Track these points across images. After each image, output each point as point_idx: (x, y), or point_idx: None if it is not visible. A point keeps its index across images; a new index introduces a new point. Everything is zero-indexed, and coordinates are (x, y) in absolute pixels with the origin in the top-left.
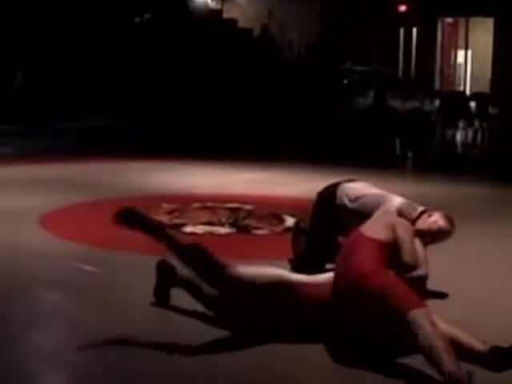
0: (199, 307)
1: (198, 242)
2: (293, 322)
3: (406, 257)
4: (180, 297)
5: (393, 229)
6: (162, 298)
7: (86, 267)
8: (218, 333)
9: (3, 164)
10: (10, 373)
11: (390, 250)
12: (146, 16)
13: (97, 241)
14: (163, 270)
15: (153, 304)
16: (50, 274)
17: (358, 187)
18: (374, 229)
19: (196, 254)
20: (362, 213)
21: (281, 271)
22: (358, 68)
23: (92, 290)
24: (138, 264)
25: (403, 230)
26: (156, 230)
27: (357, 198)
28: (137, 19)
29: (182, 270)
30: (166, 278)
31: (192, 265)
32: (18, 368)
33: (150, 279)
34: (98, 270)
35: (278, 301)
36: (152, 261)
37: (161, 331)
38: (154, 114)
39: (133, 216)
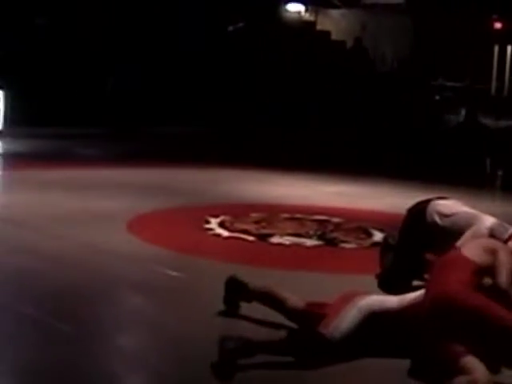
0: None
1: (310, 309)
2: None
3: (503, 281)
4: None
5: (493, 253)
6: (231, 308)
7: (169, 272)
8: None
9: (92, 167)
10: (93, 374)
11: (483, 275)
12: (240, 25)
13: (182, 246)
14: (233, 286)
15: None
16: (134, 277)
17: (450, 205)
18: (473, 250)
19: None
20: (452, 231)
21: (369, 305)
22: (450, 84)
23: (175, 295)
24: (221, 271)
25: (505, 255)
26: (264, 299)
27: (448, 216)
28: (230, 28)
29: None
30: (235, 294)
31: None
32: (101, 369)
33: None
34: (182, 274)
35: (377, 333)
36: (234, 269)
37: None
38: (245, 122)
39: (238, 288)
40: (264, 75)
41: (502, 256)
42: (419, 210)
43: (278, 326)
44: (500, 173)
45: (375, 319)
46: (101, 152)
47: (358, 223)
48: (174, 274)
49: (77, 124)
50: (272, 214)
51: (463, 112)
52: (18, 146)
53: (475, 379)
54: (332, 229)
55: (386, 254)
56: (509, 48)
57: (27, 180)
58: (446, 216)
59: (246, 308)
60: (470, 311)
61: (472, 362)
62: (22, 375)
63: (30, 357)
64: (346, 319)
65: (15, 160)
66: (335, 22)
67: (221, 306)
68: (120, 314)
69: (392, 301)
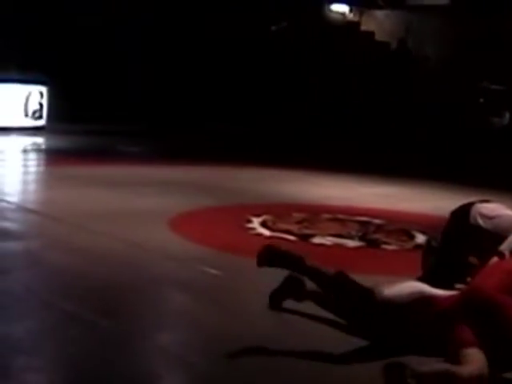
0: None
1: (341, 271)
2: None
3: None
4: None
5: None
6: (275, 303)
7: (212, 270)
8: (343, 340)
9: (134, 164)
10: (135, 372)
11: None
12: (283, 24)
13: (223, 245)
14: (291, 283)
15: (274, 310)
16: (177, 275)
17: (493, 208)
18: None
19: (342, 283)
20: (495, 233)
21: (420, 287)
22: (495, 87)
23: (217, 293)
24: (262, 270)
25: None
26: (297, 266)
27: (491, 218)
28: (273, 28)
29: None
30: (291, 291)
31: (340, 294)
32: (143, 368)
33: (271, 285)
34: (224, 273)
35: (418, 315)
36: (274, 270)
37: (281, 335)
38: (289, 123)
39: (274, 256)
40: (307, 75)
41: None
42: (462, 212)
43: (328, 322)
44: None
45: (421, 299)
46: (143, 149)
47: (400, 225)
48: (216, 272)
49: (120, 120)
50: (314, 214)
51: (507, 115)
52: (61, 141)
53: (462, 372)
54: (374, 230)
55: (428, 256)
56: None
57: (69, 176)
58: (489, 218)
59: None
60: (494, 307)
61: (474, 355)
62: (63, 372)
63: (71, 354)
64: (398, 286)
65: (57, 156)
66: (379, 23)
67: (263, 305)
68: (163, 313)
69: (440, 292)
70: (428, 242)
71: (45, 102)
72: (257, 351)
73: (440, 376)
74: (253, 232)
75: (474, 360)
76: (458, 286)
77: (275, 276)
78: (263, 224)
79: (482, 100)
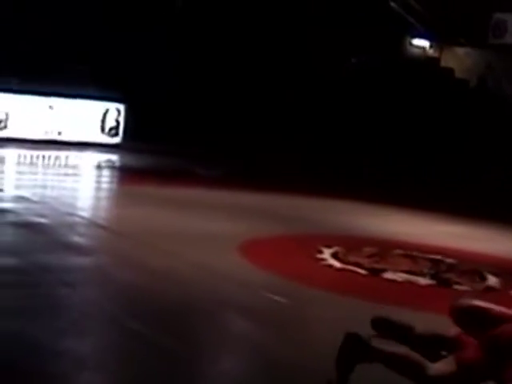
0: None
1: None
2: None
3: None
4: None
5: None
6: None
7: (279, 298)
8: None
9: (208, 187)
10: None
11: None
12: (362, 57)
13: (293, 274)
14: (353, 343)
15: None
16: (243, 300)
17: None
18: None
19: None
20: None
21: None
22: None
23: (281, 321)
24: (331, 302)
25: None
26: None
27: None
28: (353, 60)
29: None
30: (355, 353)
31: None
32: None
33: (339, 318)
34: (292, 302)
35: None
36: (343, 302)
37: None
38: (369, 157)
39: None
40: (384, 109)
41: None
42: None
43: None
44: None
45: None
46: (218, 172)
47: (473, 265)
48: (284, 300)
49: (196, 143)
50: (385, 249)
51: None
52: (136, 160)
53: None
54: (446, 269)
55: None
56: None
57: (142, 195)
58: None
59: None
60: None
61: None
62: None
63: (134, 372)
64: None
65: (131, 174)
66: (460, 60)
67: (327, 335)
68: (227, 337)
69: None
70: None
71: (122, 119)
72: (319, 379)
73: None
74: (323, 263)
75: None
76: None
77: (343, 308)
78: (334, 255)
79: None
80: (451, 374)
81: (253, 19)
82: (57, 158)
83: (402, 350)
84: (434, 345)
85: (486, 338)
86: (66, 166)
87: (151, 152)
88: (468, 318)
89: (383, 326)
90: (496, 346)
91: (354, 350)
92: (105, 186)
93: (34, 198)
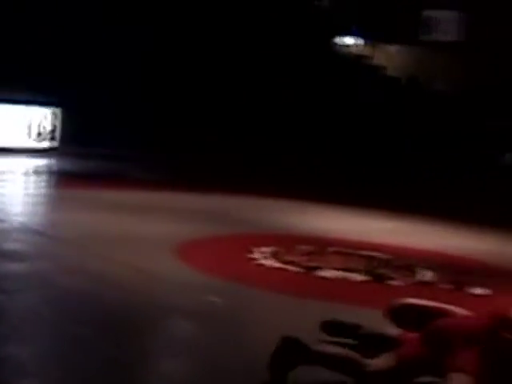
0: None
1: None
2: None
3: None
4: None
5: None
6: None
7: (216, 299)
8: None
9: (144, 190)
10: None
11: None
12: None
13: (229, 275)
14: (290, 346)
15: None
16: (181, 303)
17: None
18: None
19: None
20: None
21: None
22: (505, 123)
23: (220, 322)
24: (267, 301)
25: None
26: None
27: None
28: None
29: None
30: (292, 356)
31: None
32: None
33: (278, 317)
34: (229, 303)
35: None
36: (281, 301)
37: None
38: (300, 154)
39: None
40: (316, 108)
41: None
42: None
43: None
44: None
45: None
46: (153, 175)
47: (407, 260)
48: (221, 301)
49: (131, 146)
50: (319, 246)
51: None
52: (73, 164)
53: None
54: (380, 265)
55: None
56: None
57: (79, 199)
58: None
59: None
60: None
61: (457, 380)
62: None
63: (76, 378)
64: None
65: (68, 178)
66: (391, 57)
67: (268, 335)
68: (168, 341)
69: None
70: None
71: (58, 123)
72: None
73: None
74: (258, 262)
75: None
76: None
77: (280, 307)
78: (269, 255)
79: (491, 135)
80: (390, 368)
81: None
82: None
83: (339, 349)
84: (378, 343)
85: (424, 332)
86: None
87: (89, 156)
88: (403, 316)
89: (332, 328)
90: (434, 339)
91: (291, 352)
92: (41, 191)
93: None
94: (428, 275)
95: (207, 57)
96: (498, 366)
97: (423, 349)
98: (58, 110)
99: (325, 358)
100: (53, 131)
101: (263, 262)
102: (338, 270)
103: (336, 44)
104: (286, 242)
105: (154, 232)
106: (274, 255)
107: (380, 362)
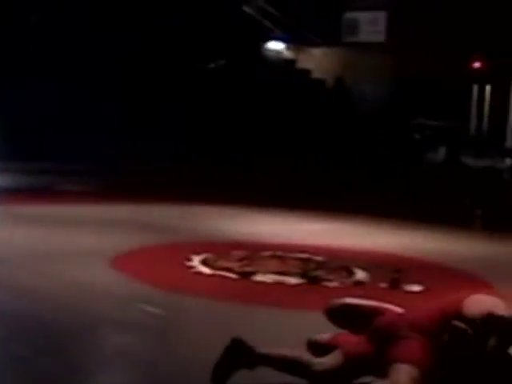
0: None
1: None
2: None
3: None
4: None
5: None
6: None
7: (152, 309)
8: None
9: (76, 203)
10: None
11: None
12: (221, 62)
13: (165, 284)
14: (237, 348)
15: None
16: (117, 315)
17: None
18: None
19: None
20: None
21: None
22: (431, 123)
23: (159, 333)
24: (205, 309)
25: None
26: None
27: None
28: (211, 65)
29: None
30: (238, 357)
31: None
32: None
33: (214, 324)
34: (166, 312)
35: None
36: (218, 307)
37: None
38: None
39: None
40: (242, 112)
41: None
42: None
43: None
44: (479, 212)
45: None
46: (84, 188)
47: (341, 261)
48: (158, 311)
49: (61, 159)
50: (253, 252)
51: (443, 151)
52: (4, 179)
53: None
54: (315, 267)
55: None
56: (487, 88)
57: (11, 215)
58: None
59: None
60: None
61: (400, 369)
62: None
63: None
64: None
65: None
66: (316, 61)
67: (207, 343)
68: (106, 354)
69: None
70: None
71: None
72: None
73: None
74: (193, 270)
75: (400, 373)
76: None
77: (217, 313)
78: (203, 262)
79: (417, 136)
80: (337, 367)
81: None
82: None
83: (285, 351)
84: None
85: (370, 330)
86: None
87: (17, 171)
88: (342, 316)
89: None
90: (379, 335)
91: (235, 354)
92: None
93: None
94: (364, 275)
95: None
96: (449, 357)
97: (370, 346)
98: None
99: (270, 360)
100: None
101: (201, 269)
102: (273, 273)
103: (264, 49)
104: (219, 248)
105: (89, 244)
106: (210, 262)
107: (327, 360)
